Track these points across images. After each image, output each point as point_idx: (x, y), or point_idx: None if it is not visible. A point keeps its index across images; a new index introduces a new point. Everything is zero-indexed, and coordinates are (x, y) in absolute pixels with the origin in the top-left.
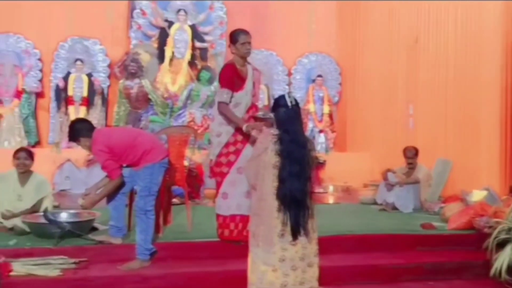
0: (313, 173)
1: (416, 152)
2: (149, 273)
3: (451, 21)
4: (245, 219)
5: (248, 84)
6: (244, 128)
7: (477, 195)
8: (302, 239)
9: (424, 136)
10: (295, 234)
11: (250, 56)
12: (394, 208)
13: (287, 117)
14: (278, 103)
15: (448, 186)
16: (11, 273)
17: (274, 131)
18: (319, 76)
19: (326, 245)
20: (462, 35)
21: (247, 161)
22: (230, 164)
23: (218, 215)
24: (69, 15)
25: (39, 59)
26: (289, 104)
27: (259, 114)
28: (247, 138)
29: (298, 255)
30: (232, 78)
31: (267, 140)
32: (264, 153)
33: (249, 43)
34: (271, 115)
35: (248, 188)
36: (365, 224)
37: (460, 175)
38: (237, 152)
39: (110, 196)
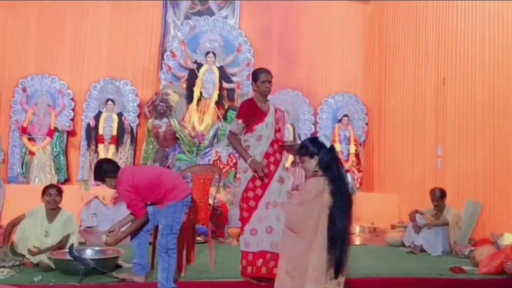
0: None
1: (441, 194)
2: None
3: (478, 61)
4: (263, 255)
5: (269, 118)
6: (248, 161)
7: (509, 239)
8: (341, 278)
9: (453, 177)
10: (337, 274)
11: (276, 96)
12: (422, 250)
13: (331, 157)
14: (319, 146)
15: (478, 228)
16: None
17: (320, 172)
18: (345, 116)
19: None
20: (489, 75)
21: (294, 204)
22: (257, 198)
23: (246, 253)
24: (102, 57)
25: (72, 99)
26: (327, 144)
27: (287, 143)
28: (273, 173)
29: None
30: (248, 111)
31: (320, 183)
32: (319, 197)
33: (270, 81)
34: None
35: (269, 224)
36: (393, 267)
37: (491, 217)
38: (264, 186)
39: (134, 233)
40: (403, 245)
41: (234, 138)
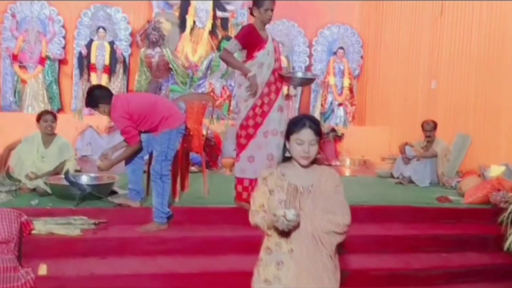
0: None
1: (434, 126)
2: (166, 235)
3: None
4: None
5: (269, 45)
6: (249, 75)
7: (495, 170)
8: None
9: (444, 111)
10: None
11: (272, 26)
12: (411, 181)
13: None
14: None
15: (466, 161)
16: (33, 232)
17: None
18: (341, 48)
19: None
20: (487, 8)
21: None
22: (256, 126)
23: (241, 179)
24: None
25: (63, 26)
26: None
27: (284, 72)
28: (273, 102)
29: None
30: (248, 36)
31: None
32: None
33: (272, 10)
34: (297, 74)
35: (271, 151)
36: (380, 196)
37: (479, 150)
38: (264, 115)
39: (128, 160)
40: (392, 176)
41: (228, 55)
